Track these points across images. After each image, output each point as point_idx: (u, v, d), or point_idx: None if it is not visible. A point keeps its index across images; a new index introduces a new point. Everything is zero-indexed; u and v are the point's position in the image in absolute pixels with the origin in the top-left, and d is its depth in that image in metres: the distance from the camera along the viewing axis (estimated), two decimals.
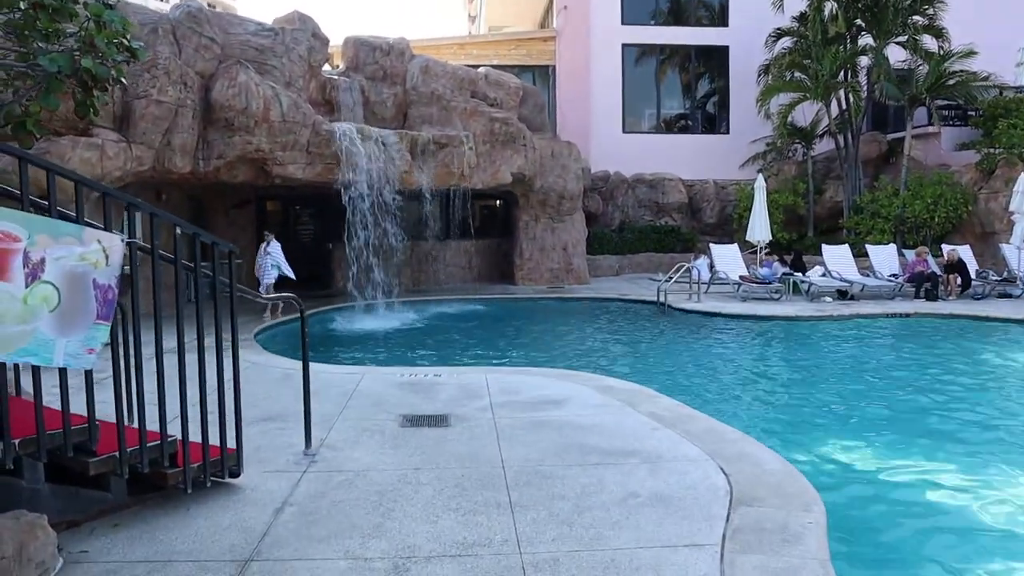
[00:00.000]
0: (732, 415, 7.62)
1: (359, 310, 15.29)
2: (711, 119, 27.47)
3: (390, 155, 15.35)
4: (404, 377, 8.45)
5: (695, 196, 25.83)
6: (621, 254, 24.08)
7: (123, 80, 5.09)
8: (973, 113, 23.17)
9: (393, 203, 15.60)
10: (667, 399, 7.51)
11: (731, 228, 25.55)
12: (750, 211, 24.02)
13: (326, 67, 17.43)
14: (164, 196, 15.21)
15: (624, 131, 26.33)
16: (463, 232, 19.82)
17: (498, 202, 22.42)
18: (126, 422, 4.19)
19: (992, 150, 21.14)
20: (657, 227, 25.06)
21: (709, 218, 25.85)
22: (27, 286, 3.46)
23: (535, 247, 20.29)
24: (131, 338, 4.24)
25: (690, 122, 27.46)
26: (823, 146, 25.05)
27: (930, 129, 23.49)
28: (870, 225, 21.85)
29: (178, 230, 4.40)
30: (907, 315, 15.01)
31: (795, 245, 22.86)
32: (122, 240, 3.86)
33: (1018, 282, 17.99)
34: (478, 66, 20.01)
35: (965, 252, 18.60)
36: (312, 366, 9.33)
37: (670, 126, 27.40)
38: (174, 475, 4.57)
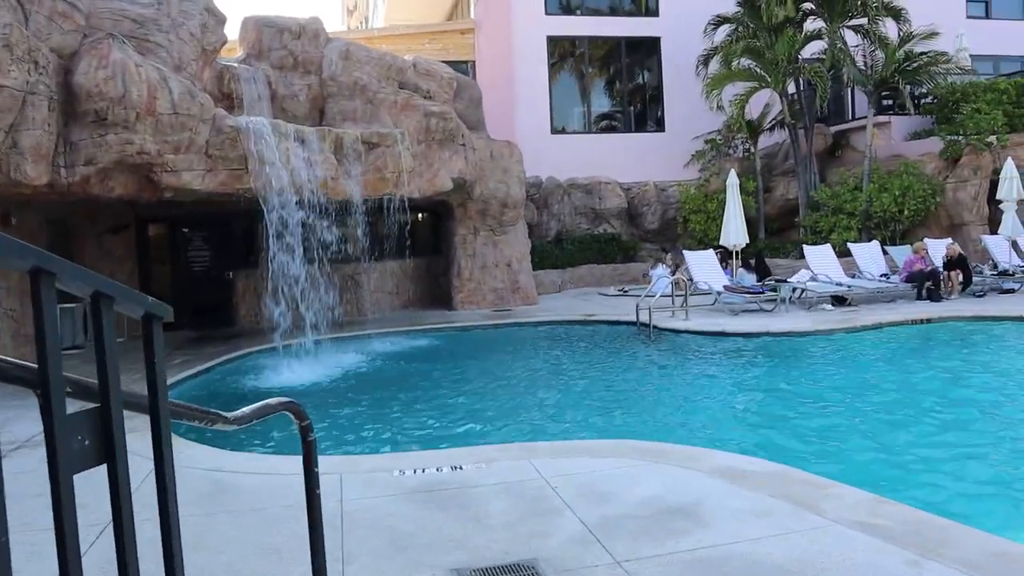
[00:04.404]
0: (936, 501, 4.98)
1: (280, 354, 12.01)
2: (646, 116, 25.26)
3: (311, 158, 12.21)
4: (408, 475, 5.45)
5: (634, 200, 23.55)
6: (562, 268, 21.53)
7: None
8: (927, 101, 21.73)
9: (318, 218, 12.48)
10: (850, 489, 4.81)
11: (674, 233, 23.45)
12: (699, 212, 22.06)
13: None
14: (13, 220, 11.57)
15: (553, 131, 23.84)
16: (390, 251, 16.63)
17: (421, 215, 19.40)
18: None
19: (957, 137, 19.63)
20: (597, 236, 22.65)
21: (650, 223, 23.61)
22: None
23: (476, 265, 17.41)
24: None
25: (624, 120, 25.17)
26: (764, 141, 23.23)
27: (881, 119, 21.91)
28: (832, 222, 20.02)
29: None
30: (929, 320, 13.07)
31: (749, 248, 20.90)
32: None
33: (1016, 275, 16.47)
34: None
35: (938, 246, 16.89)
36: (252, 462, 6.23)
37: (603, 125, 25.07)
38: None
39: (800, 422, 7.67)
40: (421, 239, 18.76)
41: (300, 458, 3.19)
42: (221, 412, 2.07)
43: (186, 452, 6.21)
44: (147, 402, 1.60)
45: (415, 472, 5.48)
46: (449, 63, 17.99)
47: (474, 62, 23.71)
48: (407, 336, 14.39)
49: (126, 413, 1.45)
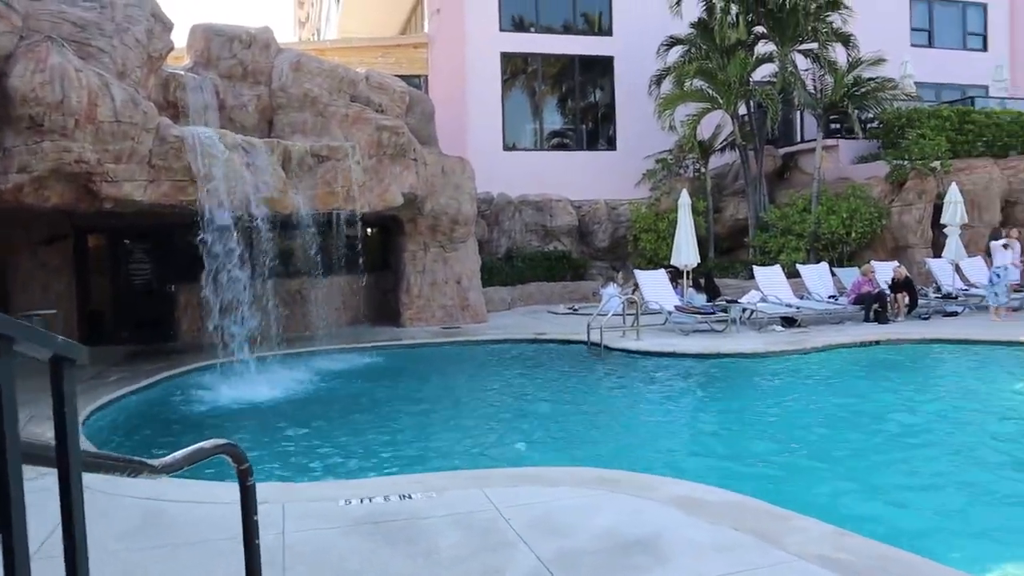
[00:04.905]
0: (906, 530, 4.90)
1: (222, 371, 11.62)
2: (598, 134, 25.33)
3: (259, 170, 11.89)
4: (354, 505, 5.21)
5: (585, 218, 23.54)
6: (512, 285, 21.36)
7: None
8: (874, 125, 22.13)
9: (265, 231, 12.14)
10: (812, 521, 4.72)
11: (624, 251, 23.48)
12: (650, 232, 22.12)
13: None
14: None
15: (505, 148, 23.75)
16: (338, 267, 16.25)
17: (370, 230, 19.08)
18: None
19: (902, 162, 20.02)
20: (547, 254, 22.57)
21: (601, 241, 23.61)
22: None
23: (425, 281, 17.16)
24: None
25: (576, 138, 25.21)
26: (714, 161, 23.43)
27: (829, 142, 22.25)
28: (781, 243, 20.23)
29: None
30: (877, 342, 13.22)
31: (699, 267, 21.00)
32: None
33: (959, 298, 16.79)
34: None
35: (884, 268, 17.11)
36: (192, 489, 5.92)
37: (555, 142, 25.06)
38: None
39: (754, 446, 7.61)
40: (370, 254, 18.43)
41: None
42: (146, 460, 1.85)
43: (121, 478, 5.88)
44: (55, 454, 1.39)
45: (361, 502, 5.24)
46: (402, 77, 17.79)
47: (427, 77, 23.53)
48: (354, 353, 14.07)
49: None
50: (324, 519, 4.93)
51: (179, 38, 13.59)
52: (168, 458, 2.05)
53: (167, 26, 12.15)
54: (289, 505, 5.17)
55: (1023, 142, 21.47)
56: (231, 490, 5.28)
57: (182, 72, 13.39)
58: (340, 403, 10.08)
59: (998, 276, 15.24)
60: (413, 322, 16.97)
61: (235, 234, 11.69)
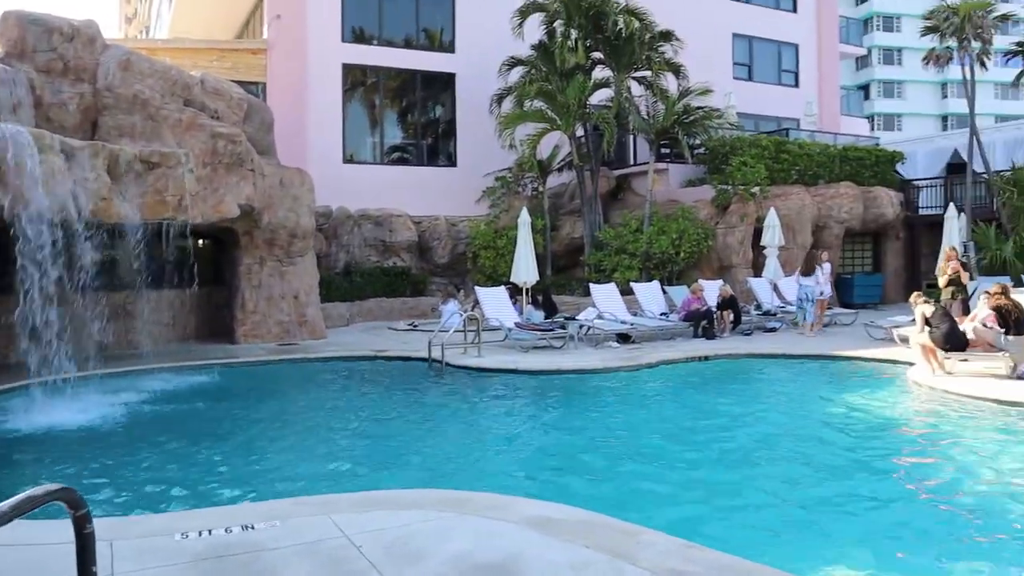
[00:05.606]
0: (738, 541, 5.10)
1: (34, 392, 10.67)
2: (439, 150, 25.37)
3: (81, 175, 11.08)
4: (192, 539, 4.87)
5: (425, 234, 23.49)
6: (351, 301, 20.98)
7: None
8: (701, 151, 23.34)
9: (86, 241, 11.31)
10: (661, 536, 4.83)
11: (464, 268, 23.62)
12: (489, 248, 22.32)
13: None
14: None
15: (345, 161, 23.37)
16: (166, 280, 15.33)
17: (203, 241, 18.23)
18: None
19: (726, 187, 21.25)
20: (387, 269, 22.34)
21: (441, 258, 23.63)
22: None
23: (261, 296, 16.53)
24: None
25: (416, 153, 25.15)
26: (552, 180, 24.01)
27: (660, 166, 23.28)
28: (615, 261, 20.94)
29: None
30: (707, 357, 13.95)
31: (537, 285, 21.39)
32: None
33: (777, 315, 17.96)
34: None
35: (711, 287, 18.08)
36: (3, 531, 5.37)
37: (395, 157, 24.89)
38: None
39: (598, 461, 7.76)
40: (203, 267, 17.57)
41: (68, 523, 2.67)
42: None
43: None
44: None
45: (200, 535, 4.92)
46: (239, 83, 17.20)
47: (265, 84, 22.81)
48: (184, 372, 13.27)
49: None
50: (160, 556, 4.59)
51: None
52: None
53: None
54: (118, 543, 4.77)
55: (830, 172, 23.34)
56: (54, 529, 4.83)
57: None
58: (169, 427, 9.49)
59: (806, 295, 16.50)
60: (248, 339, 16.31)
61: (51, 243, 10.81)
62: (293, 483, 7.04)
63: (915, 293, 12.08)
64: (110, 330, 14.29)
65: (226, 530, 5.01)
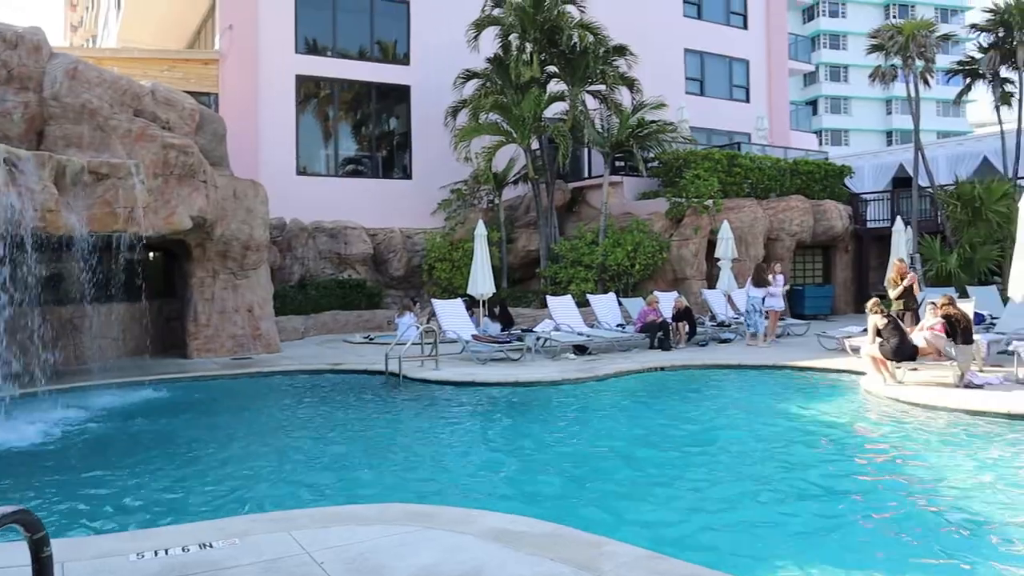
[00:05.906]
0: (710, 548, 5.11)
1: None
2: (394, 163, 25.27)
3: (26, 186, 10.80)
4: (149, 559, 4.73)
5: (380, 246, 23.40)
6: (306, 314, 20.75)
7: None
8: (655, 165, 23.56)
9: (30, 253, 11.01)
10: (624, 547, 4.85)
11: (420, 280, 23.54)
12: (445, 261, 22.27)
13: None
14: None
15: (298, 173, 23.16)
16: (117, 293, 14.99)
17: (154, 254, 17.91)
18: None
19: (680, 199, 21.48)
20: (342, 282, 22.17)
21: (396, 270, 23.54)
22: None
23: (214, 310, 16.26)
24: None
25: (371, 165, 25.01)
26: (508, 193, 24.04)
27: (615, 179, 23.45)
28: (571, 274, 21.02)
29: None
30: (663, 368, 14.05)
31: (494, 297, 21.37)
32: None
33: (731, 326, 18.17)
34: None
35: (666, 298, 18.23)
36: None
37: (350, 169, 24.73)
38: None
39: (558, 472, 7.74)
40: (155, 280, 17.29)
41: (23, 544, 2.58)
42: None
43: None
44: None
45: (156, 554, 4.79)
46: (191, 94, 16.88)
47: (217, 95, 22.50)
48: (134, 388, 12.95)
49: None
50: None
51: None
52: None
53: None
54: (71, 564, 4.63)
55: (780, 185, 23.73)
56: (7, 552, 4.67)
57: None
58: (119, 444, 9.26)
59: (754, 307, 16.71)
60: (201, 353, 16.03)
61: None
62: (250, 500, 6.90)
63: (872, 300, 12.25)
64: (58, 345, 13.96)
65: (183, 549, 4.90)
